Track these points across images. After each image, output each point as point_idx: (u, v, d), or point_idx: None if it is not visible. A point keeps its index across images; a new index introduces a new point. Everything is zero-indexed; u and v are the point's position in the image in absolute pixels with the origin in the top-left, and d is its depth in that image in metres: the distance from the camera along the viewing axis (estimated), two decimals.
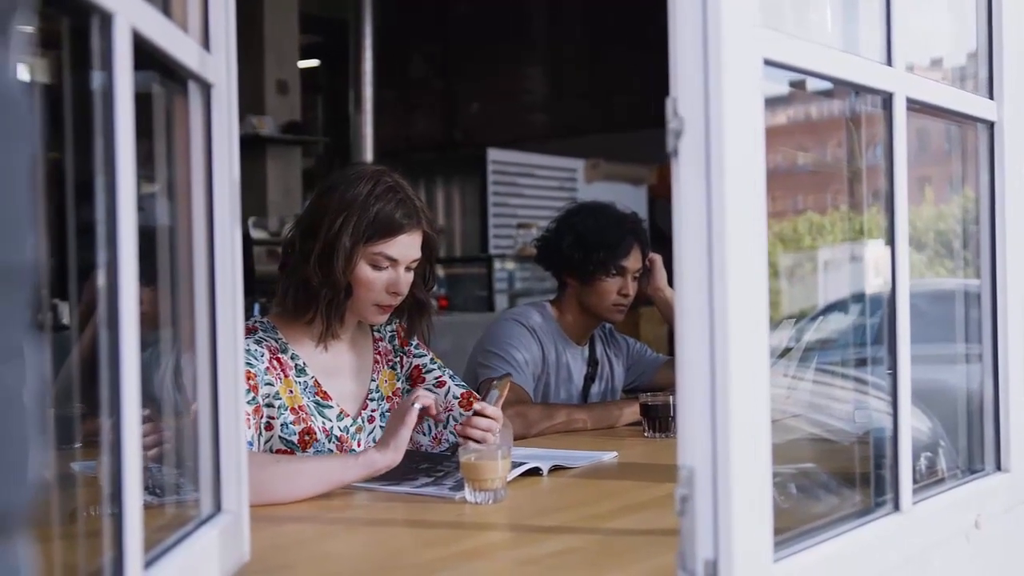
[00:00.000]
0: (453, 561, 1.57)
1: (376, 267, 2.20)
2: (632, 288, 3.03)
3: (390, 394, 2.39)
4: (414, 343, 2.44)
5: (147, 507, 1.07)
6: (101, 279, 0.98)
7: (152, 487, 1.33)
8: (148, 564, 1.08)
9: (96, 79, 0.98)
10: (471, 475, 1.88)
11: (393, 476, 2.05)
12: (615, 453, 2.40)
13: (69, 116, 1.04)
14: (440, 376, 2.41)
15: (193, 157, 1.33)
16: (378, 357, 2.40)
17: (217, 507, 1.36)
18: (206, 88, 1.33)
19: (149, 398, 1.14)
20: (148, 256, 1.14)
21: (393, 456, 1.96)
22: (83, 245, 1.02)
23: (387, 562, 1.59)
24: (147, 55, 1.09)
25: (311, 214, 2.23)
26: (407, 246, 2.22)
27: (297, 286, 2.22)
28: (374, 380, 2.37)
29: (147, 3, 1.07)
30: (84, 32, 0.97)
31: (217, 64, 1.35)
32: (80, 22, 0.97)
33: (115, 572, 0.99)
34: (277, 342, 2.24)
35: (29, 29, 0.64)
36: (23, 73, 0.61)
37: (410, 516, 1.83)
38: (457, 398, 2.37)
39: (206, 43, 1.33)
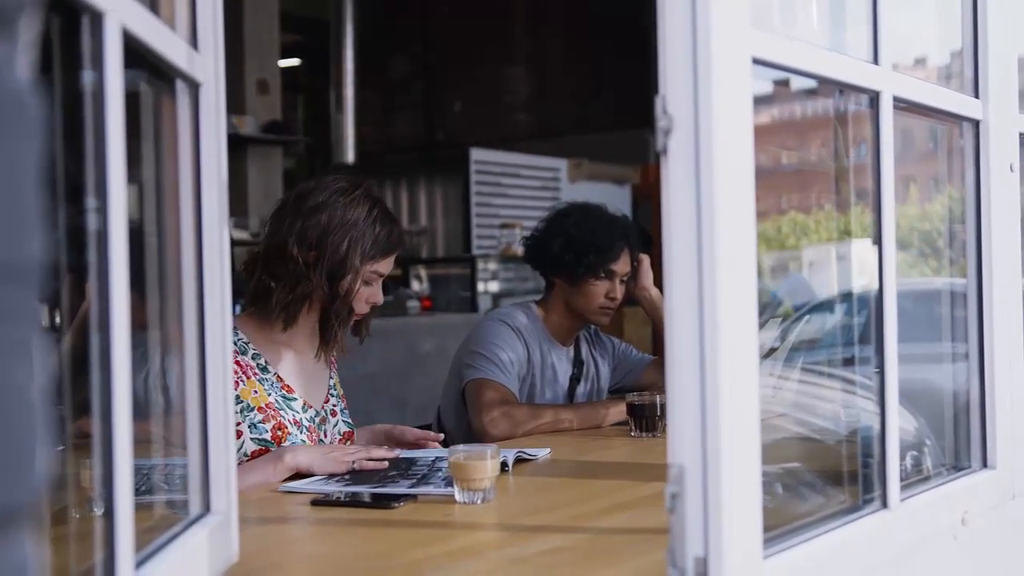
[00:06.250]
0: (443, 560, 1.57)
1: (368, 283, 2.30)
2: (620, 292, 3.02)
3: (341, 394, 2.49)
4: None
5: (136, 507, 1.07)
6: (92, 281, 0.97)
7: (139, 487, 1.32)
8: (138, 564, 1.07)
9: (86, 77, 0.98)
10: (460, 475, 1.88)
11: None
12: (548, 450, 2.41)
13: (58, 115, 1.03)
14: (342, 405, 2.51)
15: (181, 156, 1.32)
16: (332, 359, 2.47)
17: (206, 508, 1.36)
18: (194, 87, 1.32)
19: (136, 400, 1.13)
20: (134, 257, 1.13)
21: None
22: (69, 247, 1.01)
23: (376, 562, 1.59)
24: (134, 53, 1.08)
25: (306, 228, 2.25)
26: (392, 262, 2.35)
27: (300, 298, 2.25)
28: (332, 378, 2.46)
29: (137, 2, 1.06)
30: (73, 30, 0.97)
31: (205, 63, 1.34)
32: (69, 21, 0.96)
33: (107, 572, 0.98)
34: (236, 344, 2.25)
35: (36, 27, 0.64)
36: (29, 71, 0.61)
37: (398, 516, 1.83)
38: (340, 434, 2.44)
39: (194, 41, 1.33)
